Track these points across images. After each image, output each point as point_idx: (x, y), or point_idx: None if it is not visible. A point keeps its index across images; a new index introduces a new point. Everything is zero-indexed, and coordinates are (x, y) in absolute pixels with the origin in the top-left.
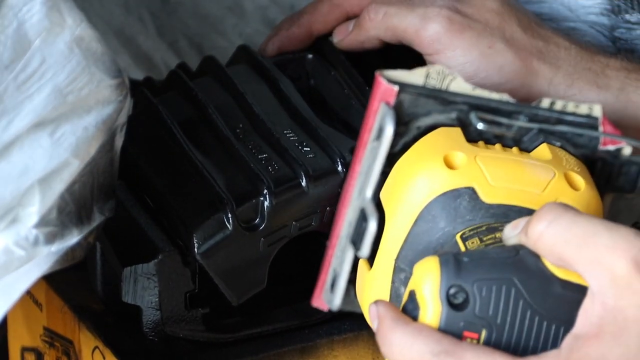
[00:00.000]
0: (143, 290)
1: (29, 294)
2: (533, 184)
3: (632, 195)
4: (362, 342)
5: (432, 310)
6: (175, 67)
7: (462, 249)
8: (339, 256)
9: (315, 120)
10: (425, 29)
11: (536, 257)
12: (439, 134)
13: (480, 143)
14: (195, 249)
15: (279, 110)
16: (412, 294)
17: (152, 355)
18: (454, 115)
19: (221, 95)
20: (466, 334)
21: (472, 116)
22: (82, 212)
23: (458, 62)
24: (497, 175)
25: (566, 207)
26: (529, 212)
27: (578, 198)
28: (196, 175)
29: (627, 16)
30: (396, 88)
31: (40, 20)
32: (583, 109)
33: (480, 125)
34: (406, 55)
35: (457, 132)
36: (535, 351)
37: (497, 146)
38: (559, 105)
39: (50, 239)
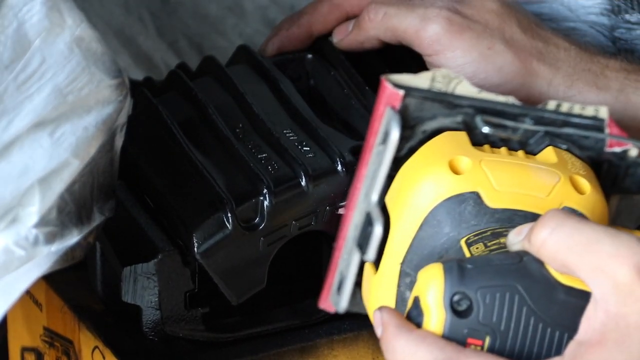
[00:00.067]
0: (143, 290)
1: (29, 294)
2: (538, 189)
3: (637, 201)
4: (362, 342)
5: (436, 317)
6: (175, 67)
7: (467, 254)
8: (345, 259)
9: (315, 120)
10: (425, 30)
11: (540, 263)
12: (444, 138)
13: (486, 147)
14: (195, 249)
15: (278, 110)
16: (416, 301)
17: (152, 355)
18: (459, 118)
19: (221, 95)
20: (470, 341)
21: (478, 120)
22: (82, 212)
23: (458, 63)
24: (502, 179)
25: (569, 214)
26: (534, 216)
27: (583, 202)
28: (196, 175)
29: (627, 16)
30: (402, 92)
31: (40, 21)
32: (589, 111)
33: (485, 129)
34: (406, 56)
35: (462, 136)
36: (538, 358)
37: (503, 150)
38: (565, 108)
39: (50, 238)
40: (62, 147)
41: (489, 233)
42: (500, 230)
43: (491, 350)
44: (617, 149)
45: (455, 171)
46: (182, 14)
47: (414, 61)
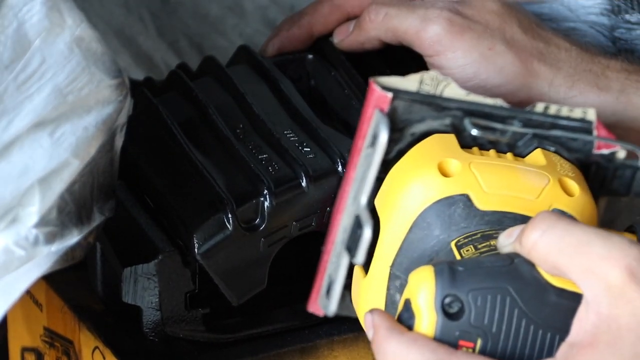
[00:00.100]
0: (143, 290)
1: (29, 294)
2: (527, 191)
3: (627, 198)
4: (362, 342)
5: (427, 319)
6: (175, 67)
7: (457, 256)
8: (334, 262)
9: (315, 121)
10: (425, 31)
11: (531, 265)
12: (433, 141)
13: (475, 149)
14: (196, 249)
15: (279, 111)
16: (407, 303)
17: (152, 355)
18: (448, 121)
19: (221, 95)
20: (462, 343)
21: (466, 122)
22: (82, 212)
23: (458, 63)
24: (491, 182)
25: (560, 216)
26: (524, 218)
27: (572, 204)
28: (196, 175)
29: (627, 16)
30: (390, 95)
31: (40, 21)
32: (577, 113)
33: (474, 132)
34: (406, 56)
35: (451, 138)
36: (530, 359)
37: (492, 152)
38: (553, 110)
39: (50, 238)
40: (62, 147)
41: (479, 235)
42: (490, 232)
43: (483, 352)
44: (605, 151)
45: (444, 174)
46: (183, 14)
47: (414, 62)
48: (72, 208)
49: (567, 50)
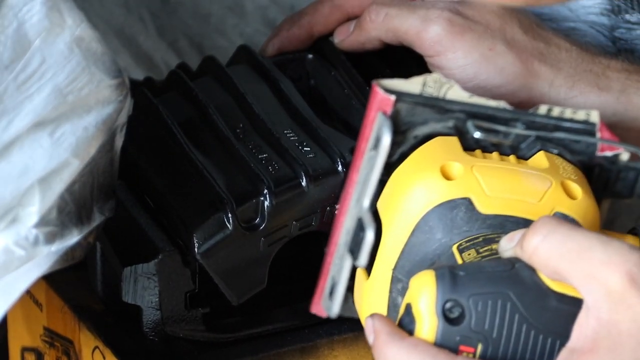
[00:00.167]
0: (143, 290)
1: (29, 293)
2: (529, 194)
3: (630, 200)
4: (362, 342)
5: (428, 324)
6: (175, 67)
7: (459, 260)
8: (337, 264)
9: (315, 120)
10: (426, 31)
11: (532, 270)
12: (435, 144)
13: (478, 152)
14: (196, 249)
15: (279, 110)
16: (408, 308)
17: (152, 355)
18: (451, 123)
19: (221, 95)
20: (462, 348)
21: (469, 124)
22: (82, 212)
23: (459, 64)
24: (493, 185)
25: (561, 221)
26: (526, 222)
27: (575, 207)
28: (196, 175)
29: (627, 16)
30: (393, 97)
31: (40, 21)
32: (580, 115)
33: (477, 134)
34: (407, 57)
35: (454, 141)
36: None
37: (494, 154)
38: (556, 112)
39: (50, 238)
40: (62, 147)
41: (480, 239)
42: (492, 236)
43: (483, 357)
44: (609, 153)
45: (446, 177)
46: (183, 13)
47: (414, 62)
48: (72, 208)
49: (568, 51)
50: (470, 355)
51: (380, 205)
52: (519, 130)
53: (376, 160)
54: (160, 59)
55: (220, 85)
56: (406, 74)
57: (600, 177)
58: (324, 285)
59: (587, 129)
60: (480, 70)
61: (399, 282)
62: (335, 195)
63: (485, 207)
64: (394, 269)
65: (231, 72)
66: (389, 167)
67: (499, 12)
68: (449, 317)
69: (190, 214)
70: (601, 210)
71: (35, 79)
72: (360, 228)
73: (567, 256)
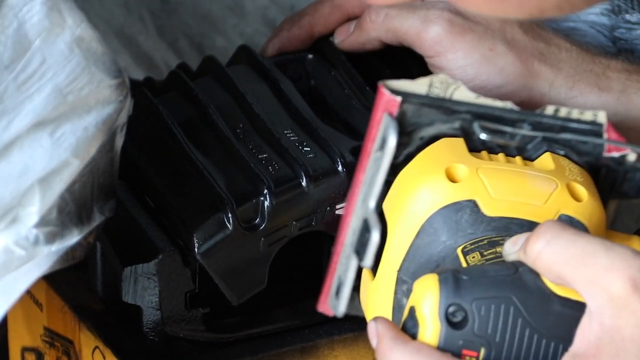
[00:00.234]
0: (143, 290)
1: (29, 293)
2: (535, 196)
3: (637, 201)
4: (362, 342)
5: (431, 328)
6: (175, 67)
7: (463, 263)
8: (343, 264)
9: (315, 121)
10: (426, 31)
11: (535, 274)
12: (441, 145)
13: (483, 153)
14: (196, 249)
15: (279, 110)
16: (411, 311)
17: (152, 355)
18: (457, 124)
19: (221, 95)
20: (465, 352)
21: (476, 126)
22: (82, 212)
23: (459, 64)
24: (498, 187)
25: (565, 226)
26: (531, 224)
27: (580, 209)
28: (196, 175)
29: (628, 16)
30: (399, 99)
31: (41, 21)
32: (588, 116)
33: (483, 135)
34: (407, 57)
35: (459, 143)
36: None
37: (500, 156)
38: (563, 113)
39: (51, 238)
40: (62, 147)
41: (485, 242)
42: (497, 238)
43: None
44: (616, 154)
45: (452, 179)
46: (182, 13)
47: (415, 62)
48: (72, 208)
49: (568, 51)
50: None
51: (385, 206)
52: (525, 131)
53: (382, 161)
54: (160, 59)
55: (220, 85)
56: (406, 75)
57: (607, 178)
58: (331, 284)
59: (594, 129)
60: (481, 71)
61: (404, 284)
62: (335, 195)
63: (490, 209)
64: (399, 271)
65: (231, 72)
66: (395, 168)
67: None
68: (452, 321)
69: (190, 214)
70: (607, 212)
71: (35, 79)
72: (365, 229)
73: (570, 261)
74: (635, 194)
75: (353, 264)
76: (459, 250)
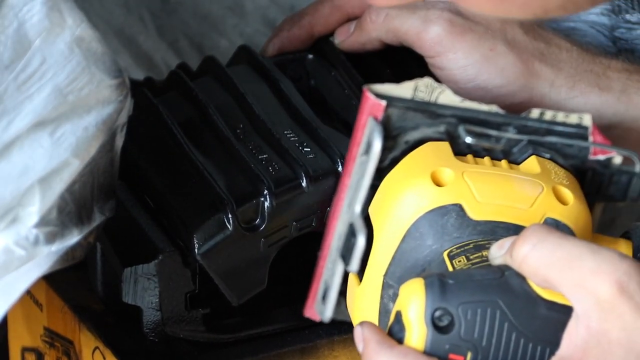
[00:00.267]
0: (143, 290)
1: (29, 294)
2: (521, 200)
3: (623, 204)
4: None
5: (417, 333)
6: (175, 67)
7: (449, 267)
8: (329, 268)
9: (315, 121)
10: (426, 32)
11: (521, 278)
12: (427, 149)
13: (469, 157)
14: (196, 250)
15: (279, 111)
16: (398, 315)
17: (153, 355)
18: (442, 128)
19: (221, 95)
20: (452, 356)
21: (461, 129)
22: (82, 212)
23: (459, 64)
24: (484, 191)
25: (550, 229)
26: (517, 228)
27: (566, 213)
28: (196, 175)
29: (628, 16)
30: (384, 103)
31: (41, 20)
32: (573, 119)
33: (468, 139)
34: (407, 57)
35: (445, 146)
36: None
37: (486, 159)
38: (548, 116)
39: (51, 238)
40: (62, 147)
41: (471, 246)
42: (483, 242)
43: None
44: (601, 157)
45: (437, 183)
46: (183, 13)
47: (415, 62)
48: (72, 208)
49: (568, 51)
50: None
51: (371, 210)
52: (510, 134)
53: (367, 166)
54: (160, 59)
55: (221, 85)
56: (406, 75)
57: (593, 181)
58: (317, 289)
59: (580, 132)
60: (481, 71)
61: (390, 288)
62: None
63: (476, 213)
64: (385, 275)
65: (231, 72)
66: (381, 173)
67: None
68: (438, 326)
69: (190, 215)
70: (594, 215)
71: (35, 79)
72: (351, 233)
73: (556, 265)
74: (621, 197)
75: (339, 269)
76: (445, 255)
